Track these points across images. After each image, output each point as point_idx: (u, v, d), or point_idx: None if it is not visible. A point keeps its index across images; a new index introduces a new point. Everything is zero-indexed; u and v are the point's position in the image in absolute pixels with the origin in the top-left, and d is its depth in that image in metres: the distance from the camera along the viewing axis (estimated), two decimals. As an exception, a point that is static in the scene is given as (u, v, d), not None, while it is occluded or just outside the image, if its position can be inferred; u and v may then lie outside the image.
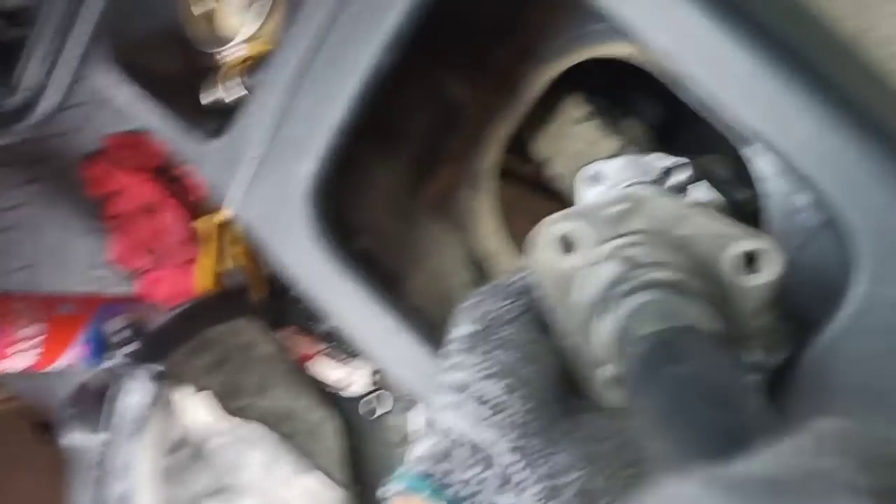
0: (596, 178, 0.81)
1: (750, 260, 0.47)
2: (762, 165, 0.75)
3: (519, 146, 0.89)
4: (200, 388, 1.13)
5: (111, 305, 1.23)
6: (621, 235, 0.47)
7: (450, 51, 0.86)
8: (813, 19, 0.66)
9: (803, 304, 0.70)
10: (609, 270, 0.45)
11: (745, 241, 0.47)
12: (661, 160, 0.79)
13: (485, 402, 0.42)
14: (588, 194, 0.81)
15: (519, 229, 1.55)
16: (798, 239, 0.71)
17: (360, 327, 0.71)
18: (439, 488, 0.41)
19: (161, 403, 1.10)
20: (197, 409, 1.12)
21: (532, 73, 0.85)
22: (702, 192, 0.76)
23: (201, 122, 0.78)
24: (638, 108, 0.95)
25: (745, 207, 0.82)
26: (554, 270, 0.47)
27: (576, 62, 0.82)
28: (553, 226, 0.48)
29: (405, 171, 0.88)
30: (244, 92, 0.79)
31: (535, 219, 0.48)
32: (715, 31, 0.56)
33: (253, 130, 0.74)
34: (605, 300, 0.44)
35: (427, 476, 0.41)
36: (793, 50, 0.56)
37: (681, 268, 0.45)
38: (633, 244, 0.46)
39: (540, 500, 0.40)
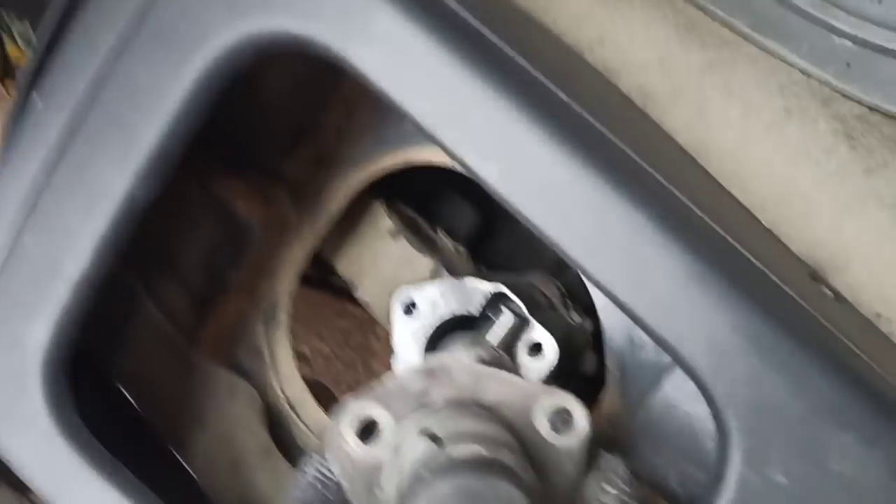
0: (411, 308, 0.70)
1: (562, 418, 0.46)
2: (597, 296, 0.67)
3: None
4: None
5: None
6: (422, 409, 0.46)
7: (233, 161, 0.72)
8: (679, 152, 0.59)
9: (669, 454, 0.61)
10: (414, 452, 0.43)
11: (549, 400, 0.46)
12: (479, 285, 0.69)
13: None
14: (404, 327, 0.70)
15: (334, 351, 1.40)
16: (647, 377, 0.63)
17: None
18: None
19: None
20: None
21: (331, 183, 0.72)
22: (537, 332, 0.66)
23: None
24: (448, 215, 0.85)
25: (579, 333, 0.73)
26: (356, 462, 0.45)
27: (384, 171, 0.70)
28: (348, 413, 0.45)
29: (180, 308, 0.72)
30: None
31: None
32: (559, 161, 0.46)
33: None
34: (414, 486, 0.41)
35: None
36: (652, 185, 0.47)
37: (489, 439, 0.43)
38: (436, 418, 0.45)
39: None
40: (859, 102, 0.64)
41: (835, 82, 0.66)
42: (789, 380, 0.44)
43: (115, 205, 0.53)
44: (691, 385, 0.47)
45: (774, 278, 0.48)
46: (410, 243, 0.75)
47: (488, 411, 0.46)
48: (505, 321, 0.64)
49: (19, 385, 0.55)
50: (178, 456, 0.73)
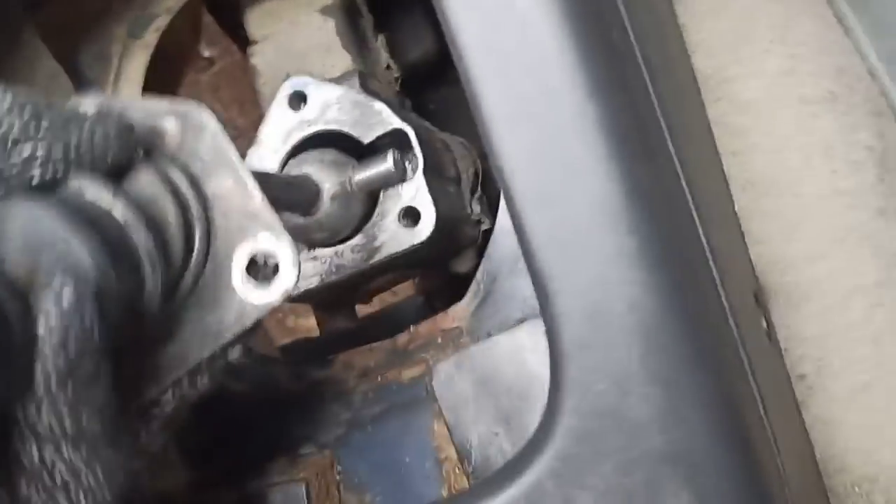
0: (298, 100, 0.56)
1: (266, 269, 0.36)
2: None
3: None
4: None
5: None
6: None
7: None
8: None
9: (487, 405, 0.49)
10: None
11: (262, 239, 0.35)
12: (385, 115, 0.54)
13: None
14: (280, 117, 0.55)
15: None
16: (509, 313, 0.50)
17: None
18: None
19: None
20: None
21: None
22: (420, 199, 0.52)
23: None
24: (402, 30, 0.69)
25: (470, 227, 0.60)
26: None
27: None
28: None
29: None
30: None
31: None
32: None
33: None
34: None
35: None
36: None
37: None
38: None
39: None
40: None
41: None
42: (657, 400, 0.32)
43: None
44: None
45: (716, 279, 0.35)
46: (338, 30, 0.59)
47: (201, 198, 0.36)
48: (384, 168, 0.50)
49: None
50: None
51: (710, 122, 0.45)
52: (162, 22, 0.58)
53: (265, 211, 0.35)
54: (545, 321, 0.33)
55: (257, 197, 0.35)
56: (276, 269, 0.35)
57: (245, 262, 0.35)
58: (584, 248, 0.32)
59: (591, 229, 0.32)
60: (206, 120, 0.36)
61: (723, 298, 0.35)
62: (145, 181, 0.34)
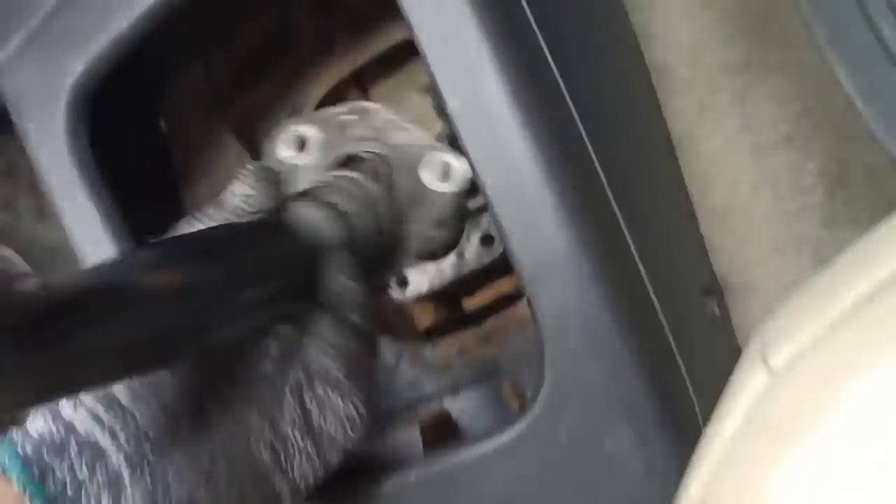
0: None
1: (445, 170, 0.58)
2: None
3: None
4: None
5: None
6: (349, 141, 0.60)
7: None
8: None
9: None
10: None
11: (444, 154, 0.57)
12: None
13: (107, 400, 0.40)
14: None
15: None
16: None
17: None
18: (39, 483, 0.37)
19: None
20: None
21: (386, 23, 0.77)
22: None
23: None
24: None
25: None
26: (285, 165, 0.60)
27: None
28: (292, 126, 0.62)
29: (224, 77, 0.81)
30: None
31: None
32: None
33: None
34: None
35: (28, 465, 0.38)
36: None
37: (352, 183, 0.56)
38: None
39: None
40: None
41: (874, 122, 0.67)
42: (607, 363, 0.51)
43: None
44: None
45: (641, 269, 0.53)
46: (433, 104, 0.80)
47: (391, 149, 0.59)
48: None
49: (52, 103, 0.65)
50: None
51: (682, 169, 0.63)
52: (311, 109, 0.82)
53: (428, 138, 0.58)
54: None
55: (419, 132, 0.59)
56: (448, 168, 0.57)
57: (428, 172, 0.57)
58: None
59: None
60: (372, 107, 0.60)
61: (648, 287, 0.54)
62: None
